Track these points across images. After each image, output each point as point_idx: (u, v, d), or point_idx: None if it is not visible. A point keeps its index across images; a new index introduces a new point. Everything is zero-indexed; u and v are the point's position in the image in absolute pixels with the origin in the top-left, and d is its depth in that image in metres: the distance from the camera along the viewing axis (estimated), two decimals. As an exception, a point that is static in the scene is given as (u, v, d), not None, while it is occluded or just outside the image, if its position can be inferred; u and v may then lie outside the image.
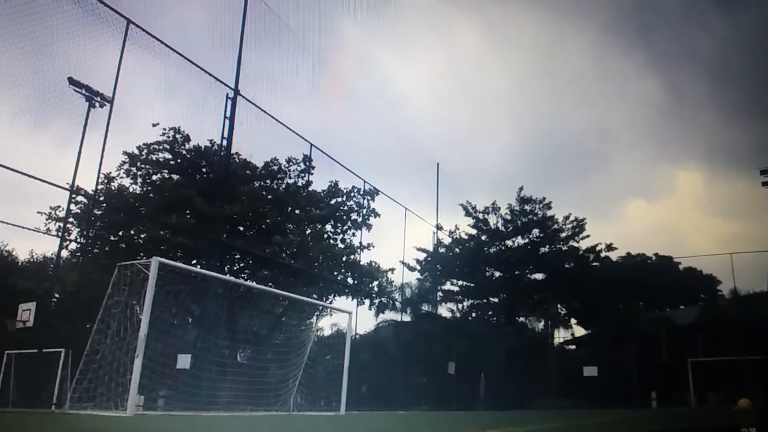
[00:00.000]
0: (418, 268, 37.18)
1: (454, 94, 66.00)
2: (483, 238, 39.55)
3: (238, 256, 24.12)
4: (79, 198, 19.92)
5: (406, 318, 33.65)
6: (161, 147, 22.81)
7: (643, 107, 63.74)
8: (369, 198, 28.43)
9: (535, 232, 39.27)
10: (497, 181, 65.55)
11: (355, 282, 27.33)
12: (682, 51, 62.31)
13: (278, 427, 9.28)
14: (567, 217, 38.79)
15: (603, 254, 39.44)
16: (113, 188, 21.87)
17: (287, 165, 25.43)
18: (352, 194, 27.75)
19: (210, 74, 19.27)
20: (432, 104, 63.78)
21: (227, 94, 19.92)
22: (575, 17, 67.11)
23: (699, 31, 63.46)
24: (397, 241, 33.46)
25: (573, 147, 63.80)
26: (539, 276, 40.02)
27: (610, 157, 67.00)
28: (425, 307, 35.57)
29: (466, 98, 65.43)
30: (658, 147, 64.94)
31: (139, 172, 22.65)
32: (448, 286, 39.52)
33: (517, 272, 39.37)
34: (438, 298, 37.39)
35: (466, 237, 39.47)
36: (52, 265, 21.08)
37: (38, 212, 19.96)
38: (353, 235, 27.67)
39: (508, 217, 39.17)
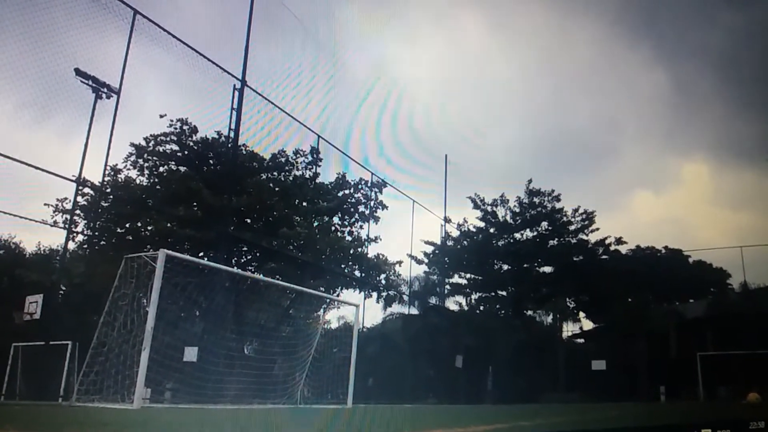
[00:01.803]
0: (426, 261, 37.08)
1: (461, 87, 65.69)
2: (491, 230, 39.36)
3: (245, 249, 24.08)
4: (86, 190, 19.87)
5: (414, 311, 33.61)
6: (168, 138, 22.76)
7: (650, 99, 63.15)
8: (377, 190, 28.32)
9: (544, 224, 39.03)
10: (505, 173, 65.37)
11: (363, 275, 27.25)
12: (690, 44, 61.63)
13: (285, 419, 9.20)
14: (576, 210, 38.54)
15: (612, 247, 39.16)
16: (120, 180, 21.83)
17: (294, 157, 25.35)
18: (360, 186, 27.65)
19: (217, 65, 19.23)
20: (439, 96, 63.54)
21: (234, 86, 19.86)
22: (581, 10, 66.50)
23: (706, 24, 62.74)
24: (405, 233, 33.38)
25: (580, 139, 63.42)
26: (548, 269, 39.82)
27: (617, 149, 66.56)
28: (433, 301, 35.48)
29: (473, 90, 65.08)
30: (665, 139, 64.39)
31: (146, 164, 22.61)
32: (456, 279, 39.44)
33: (525, 265, 39.15)
34: (446, 292, 37.31)
35: (474, 230, 39.31)
36: (58, 258, 21.09)
37: (45, 204, 19.94)
38: (361, 227, 27.63)
39: (517, 210, 38.96)
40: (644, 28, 63.57)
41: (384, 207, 28.36)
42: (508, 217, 39.16)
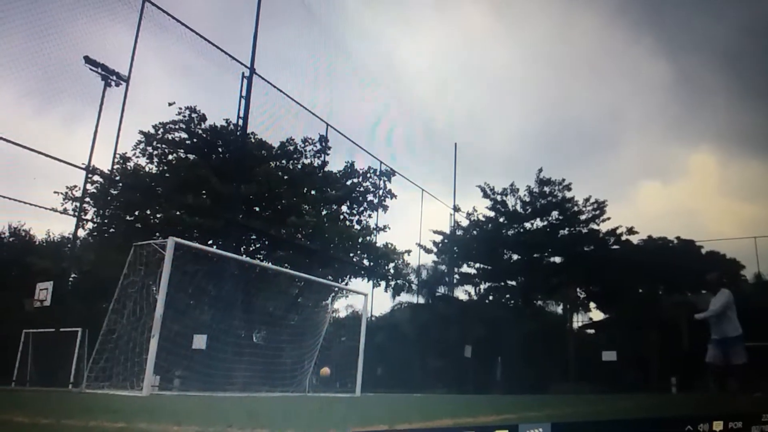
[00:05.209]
0: (435, 250, 36.92)
1: (466, 75, 64.68)
2: (501, 220, 39.04)
3: (254, 237, 24.07)
4: (96, 178, 19.92)
5: (422, 301, 33.54)
6: (177, 126, 22.74)
7: (653, 90, 62.14)
8: (385, 179, 28.17)
9: (554, 214, 38.65)
10: (513, 162, 64.47)
11: (371, 264, 27.17)
12: (693, 36, 60.42)
13: (294, 408, 9.14)
14: (587, 200, 38.11)
15: (624, 237, 38.75)
16: (129, 168, 21.86)
17: (303, 145, 25.23)
18: (369, 175, 27.49)
19: (226, 53, 19.08)
20: (445, 85, 62.72)
21: (243, 73, 19.71)
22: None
23: (709, 17, 61.54)
24: (414, 222, 33.27)
25: (586, 129, 62.38)
26: (558, 259, 39.48)
27: (623, 140, 65.46)
28: (442, 290, 35.39)
29: (480, 80, 64.22)
30: (669, 130, 63.39)
31: (155, 152, 22.62)
32: (465, 269, 39.21)
33: (535, 255, 38.83)
34: (455, 281, 37.18)
35: (483, 219, 39.01)
36: (68, 245, 21.17)
37: (55, 192, 20.01)
38: (369, 216, 27.51)
39: (527, 199, 38.61)
40: (645, 20, 62.49)
41: (393, 196, 28.24)
42: (518, 207, 38.81)
